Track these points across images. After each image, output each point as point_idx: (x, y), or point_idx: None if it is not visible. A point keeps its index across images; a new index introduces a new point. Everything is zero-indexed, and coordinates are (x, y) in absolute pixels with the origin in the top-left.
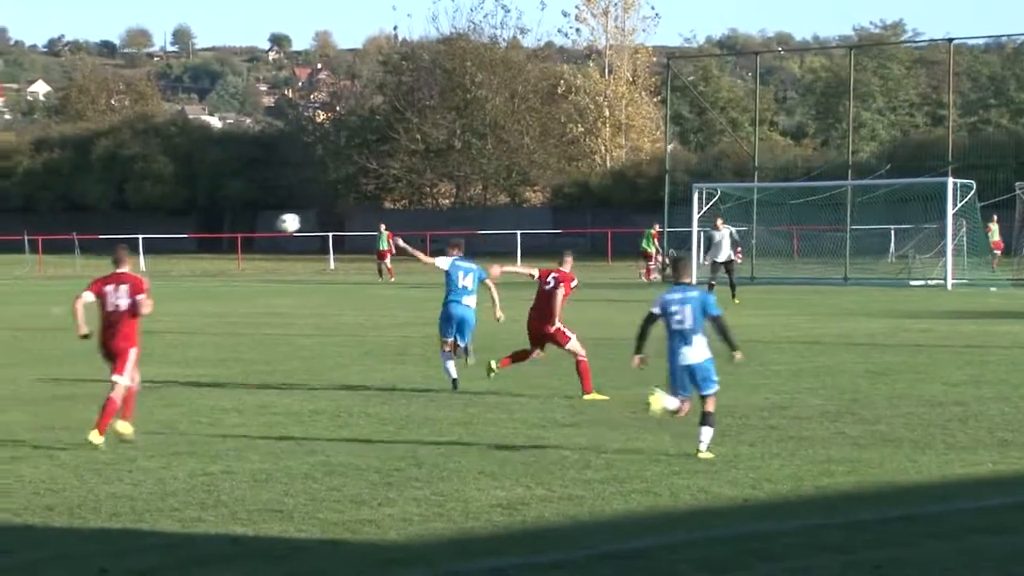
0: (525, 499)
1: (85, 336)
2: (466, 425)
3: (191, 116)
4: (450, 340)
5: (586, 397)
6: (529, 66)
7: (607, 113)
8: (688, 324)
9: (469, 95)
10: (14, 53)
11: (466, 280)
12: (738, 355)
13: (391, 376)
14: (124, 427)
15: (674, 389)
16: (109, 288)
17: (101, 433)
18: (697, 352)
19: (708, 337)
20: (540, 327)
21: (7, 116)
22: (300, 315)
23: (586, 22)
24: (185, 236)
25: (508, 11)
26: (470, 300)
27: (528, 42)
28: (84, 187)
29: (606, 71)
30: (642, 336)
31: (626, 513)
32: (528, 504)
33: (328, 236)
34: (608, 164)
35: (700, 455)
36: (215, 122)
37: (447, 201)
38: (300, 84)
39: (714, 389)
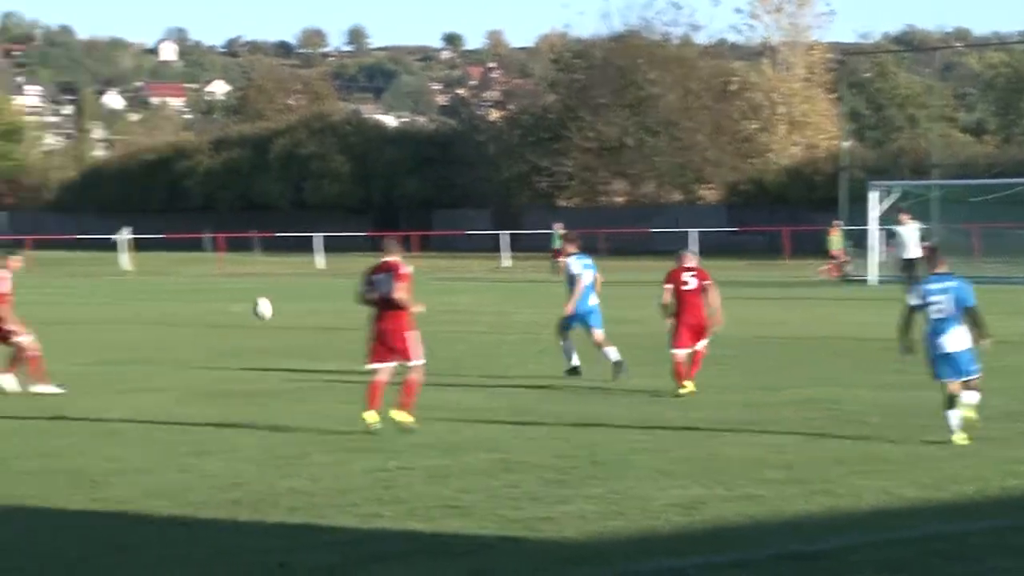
0: (703, 498)
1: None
2: (643, 423)
3: (366, 115)
4: (569, 333)
5: (687, 382)
6: (702, 63)
7: (782, 110)
8: (947, 313)
9: (642, 92)
10: (194, 54)
11: (589, 277)
12: (986, 343)
13: None
14: (403, 416)
15: (936, 375)
16: (376, 277)
17: (403, 409)
18: (956, 340)
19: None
20: (696, 323)
21: (187, 116)
22: (476, 312)
23: (759, 18)
24: (361, 234)
25: (680, 8)
26: (594, 296)
27: (701, 39)
28: (262, 186)
29: (780, 68)
30: (906, 328)
31: (806, 513)
32: (706, 503)
33: (502, 234)
34: (783, 161)
35: (954, 439)
36: (390, 121)
37: (621, 199)
38: (473, 83)
39: (976, 375)
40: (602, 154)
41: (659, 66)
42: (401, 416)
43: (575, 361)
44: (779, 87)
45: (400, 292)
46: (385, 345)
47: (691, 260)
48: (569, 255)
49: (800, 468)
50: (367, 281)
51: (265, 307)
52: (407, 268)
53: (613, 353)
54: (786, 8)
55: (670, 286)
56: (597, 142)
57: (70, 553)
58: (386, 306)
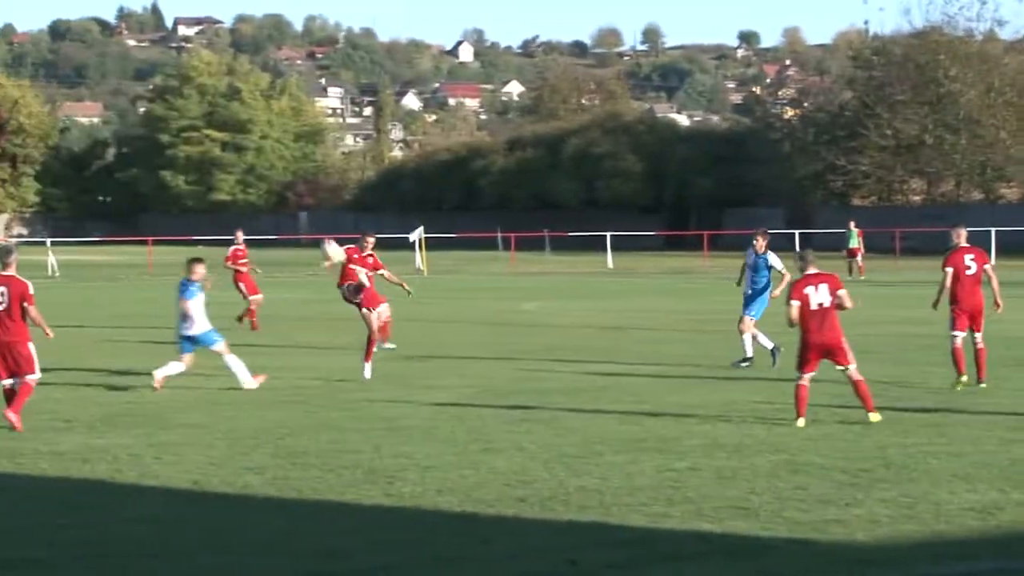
0: (1000, 503)
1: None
2: (937, 426)
3: (659, 115)
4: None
5: (972, 379)
6: (1007, 59)
7: None
8: None
9: (942, 89)
10: (490, 55)
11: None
12: None
13: None
14: (874, 416)
15: None
16: (810, 289)
17: (870, 410)
18: None
19: None
20: (974, 309)
21: (483, 116)
22: (767, 312)
23: None
24: (651, 233)
25: (985, 3)
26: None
27: (1006, 34)
28: (555, 185)
29: None
30: None
31: None
32: (1003, 509)
33: (794, 233)
34: None
35: None
36: (683, 120)
37: (917, 198)
38: (768, 81)
39: None
40: (899, 152)
41: (961, 62)
42: (873, 417)
43: (770, 344)
44: None
45: (849, 302)
46: (821, 353)
47: (965, 235)
48: (760, 248)
49: None
50: (801, 297)
51: (334, 251)
52: (837, 275)
53: (767, 341)
54: None
55: (951, 270)
56: (894, 140)
57: (361, 546)
58: (823, 316)
